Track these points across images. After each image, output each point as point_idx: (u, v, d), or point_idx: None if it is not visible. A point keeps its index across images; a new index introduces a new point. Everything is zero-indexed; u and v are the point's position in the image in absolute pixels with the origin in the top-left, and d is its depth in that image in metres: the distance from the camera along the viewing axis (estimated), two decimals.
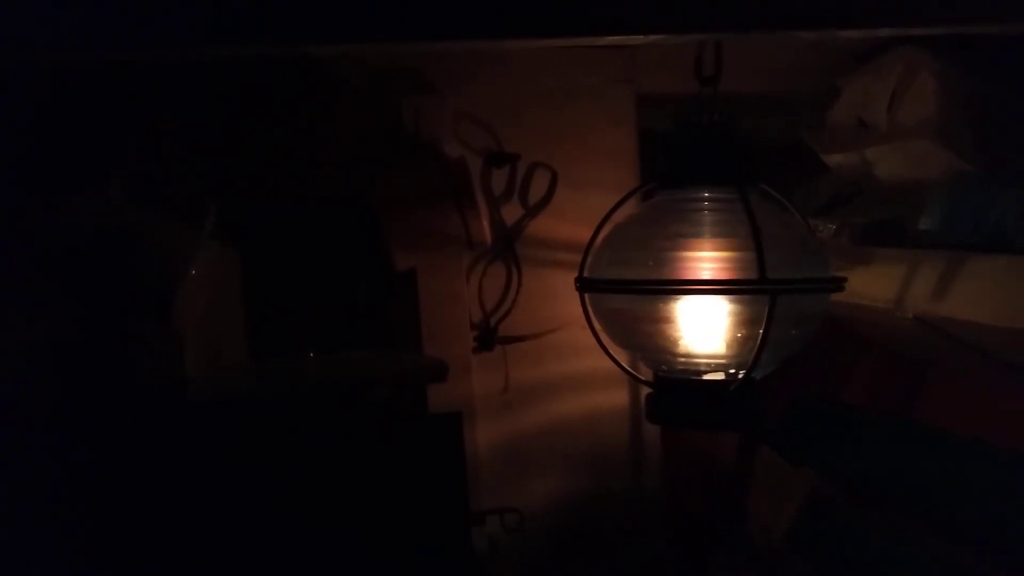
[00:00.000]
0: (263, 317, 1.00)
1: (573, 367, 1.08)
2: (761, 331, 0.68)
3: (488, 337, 1.07)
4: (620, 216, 0.82)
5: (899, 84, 0.95)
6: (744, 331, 0.72)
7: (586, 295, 0.80)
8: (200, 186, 0.90)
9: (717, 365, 0.74)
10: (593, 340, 0.82)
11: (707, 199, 0.76)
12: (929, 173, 0.92)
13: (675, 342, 0.75)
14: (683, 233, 0.74)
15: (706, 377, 0.75)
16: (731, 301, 0.71)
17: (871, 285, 0.91)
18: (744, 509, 1.13)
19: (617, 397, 1.10)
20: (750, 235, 0.69)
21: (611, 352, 0.82)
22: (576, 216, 1.07)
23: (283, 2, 0.66)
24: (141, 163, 0.88)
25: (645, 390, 0.80)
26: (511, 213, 1.09)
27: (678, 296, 0.73)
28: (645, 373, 0.84)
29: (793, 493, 1.05)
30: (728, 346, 0.73)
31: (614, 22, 0.70)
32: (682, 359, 0.75)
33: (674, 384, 0.77)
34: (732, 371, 0.74)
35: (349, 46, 0.73)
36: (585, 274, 0.80)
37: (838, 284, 0.72)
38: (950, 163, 0.91)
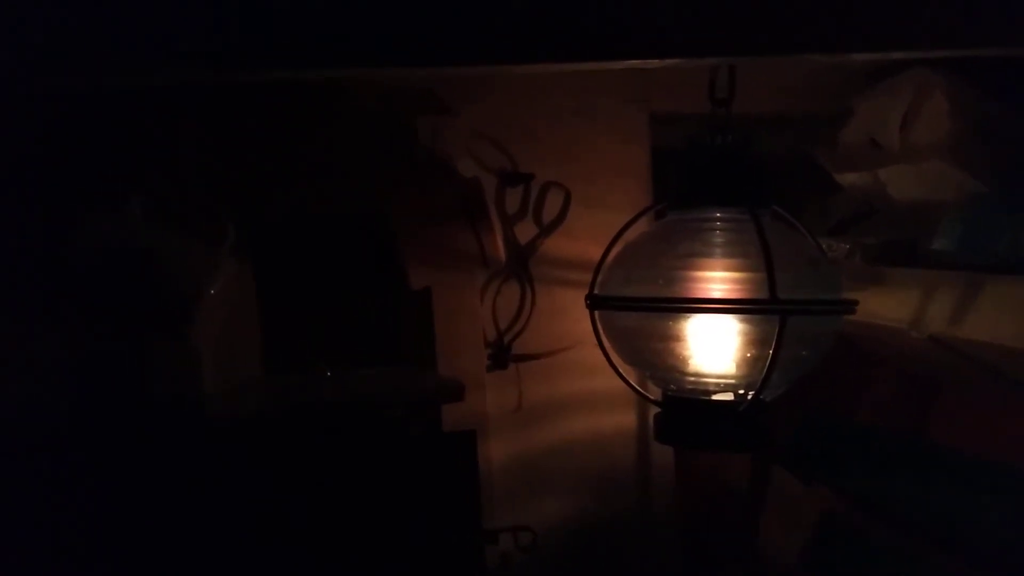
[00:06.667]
0: (278, 333, 1.01)
1: (587, 386, 1.09)
2: (771, 351, 0.68)
3: (502, 355, 1.07)
4: (631, 235, 0.83)
5: (912, 105, 0.95)
6: (754, 351, 0.72)
7: (596, 313, 0.80)
8: (219, 205, 0.91)
9: (726, 385, 0.74)
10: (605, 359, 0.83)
11: (719, 219, 0.77)
12: (943, 194, 0.92)
13: (684, 361, 0.75)
14: (694, 252, 0.74)
15: (715, 397, 0.75)
16: (741, 321, 0.72)
17: (885, 305, 0.91)
18: (756, 529, 1.12)
19: (629, 417, 1.10)
20: (761, 255, 0.69)
21: (620, 371, 0.82)
22: (589, 235, 1.08)
23: (302, 28, 0.67)
24: (161, 183, 0.89)
25: (653, 410, 0.80)
26: (525, 232, 1.10)
27: (688, 315, 0.73)
28: (654, 393, 0.84)
29: (805, 513, 1.04)
30: (738, 366, 0.73)
31: (630, 47, 0.71)
32: (691, 378, 0.75)
33: (683, 404, 0.77)
34: (741, 391, 0.74)
35: (365, 71, 0.74)
36: (596, 292, 0.80)
37: (849, 307, 0.72)
38: (964, 184, 0.91)
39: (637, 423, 1.10)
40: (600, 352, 0.82)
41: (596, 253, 1.05)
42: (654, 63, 0.74)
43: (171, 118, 0.91)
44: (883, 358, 1.08)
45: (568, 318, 1.08)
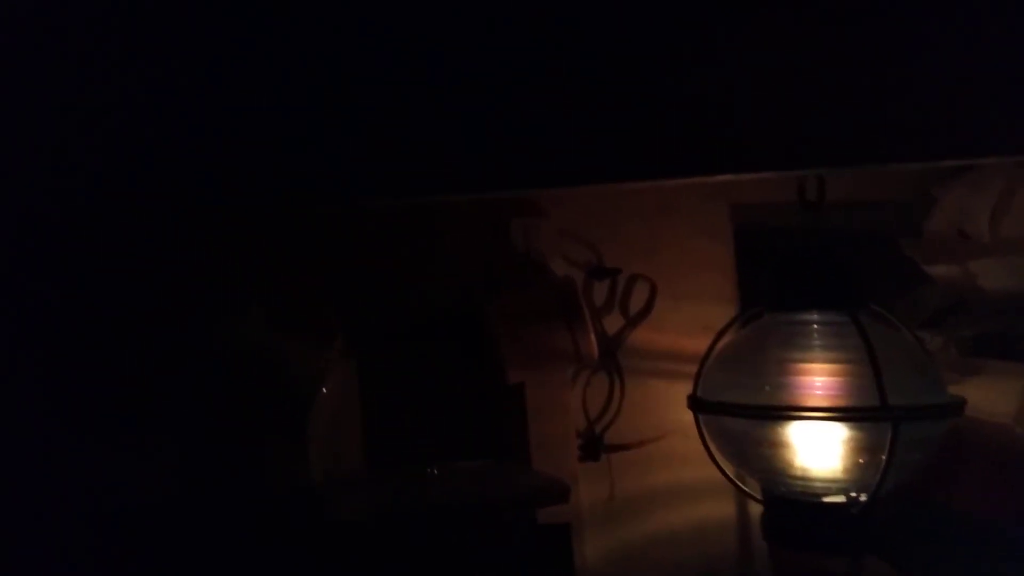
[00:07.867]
0: (379, 429, 1.04)
1: (679, 476, 1.09)
2: (884, 457, 0.69)
3: (594, 446, 1.09)
4: (730, 335, 0.85)
5: (1000, 198, 0.96)
6: (865, 457, 0.73)
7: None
8: (329, 308, 0.96)
9: (836, 489, 0.75)
10: (696, 449, 0.84)
11: (819, 322, 0.78)
12: None
13: (791, 465, 0.76)
14: (797, 358, 0.76)
15: (825, 500, 0.76)
16: (851, 428, 0.73)
17: (985, 399, 0.90)
18: None
19: (724, 509, 1.10)
20: (866, 359, 0.71)
21: (725, 469, 0.83)
22: (676, 326, 1.10)
23: (405, 158, 0.72)
24: (279, 291, 0.95)
25: (754, 504, 0.80)
26: (612, 323, 1.12)
27: (795, 421, 0.74)
28: (754, 487, 0.84)
29: None
30: (847, 471, 0.74)
31: (719, 162, 0.73)
32: (799, 482, 0.76)
33: (791, 505, 0.78)
34: (852, 494, 0.75)
35: (455, 196, 0.80)
36: (698, 393, 0.82)
37: (959, 409, 0.73)
38: None
39: (733, 514, 1.10)
40: (690, 443, 0.84)
41: (683, 343, 1.07)
42: (746, 177, 0.77)
43: (287, 233, 0.97)
44: (980, 449, 1.06)
45: (657, 408, 1.09)
